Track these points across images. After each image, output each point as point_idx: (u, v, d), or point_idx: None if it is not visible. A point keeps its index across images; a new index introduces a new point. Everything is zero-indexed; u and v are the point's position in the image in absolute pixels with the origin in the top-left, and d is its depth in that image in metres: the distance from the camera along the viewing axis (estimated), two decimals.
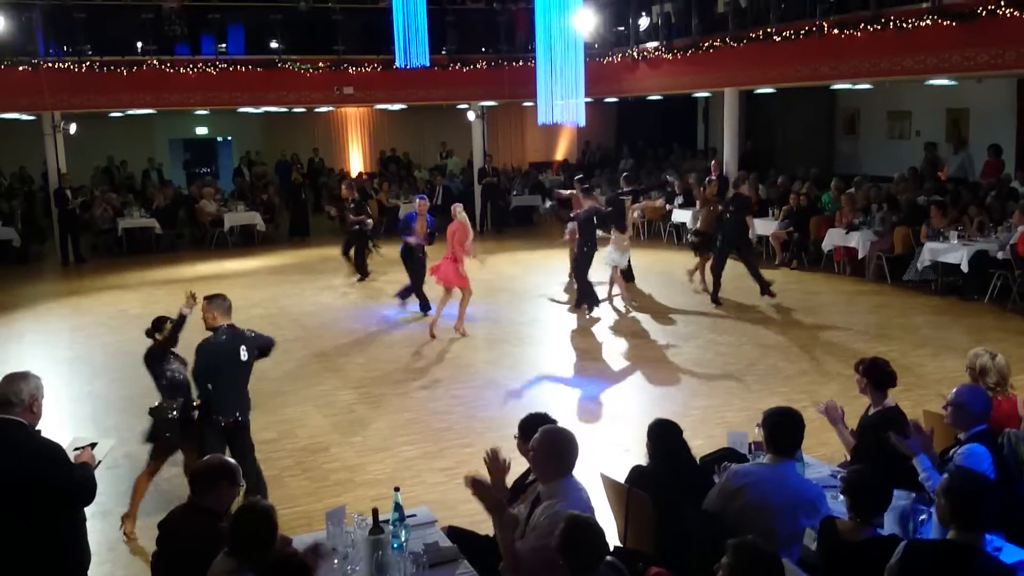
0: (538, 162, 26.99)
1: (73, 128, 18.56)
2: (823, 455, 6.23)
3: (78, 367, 11.16)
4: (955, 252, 12.89)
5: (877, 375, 5.47)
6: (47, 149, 18.42)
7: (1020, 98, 16.99)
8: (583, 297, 13.02)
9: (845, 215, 15.03)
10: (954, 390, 5.03)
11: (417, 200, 13.70)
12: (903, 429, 5.02)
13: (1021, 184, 15.22)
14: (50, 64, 17.37)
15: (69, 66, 17.44)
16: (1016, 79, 16.17)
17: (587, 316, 12.81)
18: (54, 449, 4.54)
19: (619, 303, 13.43)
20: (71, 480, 4.52)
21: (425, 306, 12.75)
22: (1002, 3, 11.52)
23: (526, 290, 14.74)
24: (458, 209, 12.03)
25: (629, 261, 14.01)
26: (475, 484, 4.26)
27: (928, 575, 3.63)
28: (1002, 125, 17.25)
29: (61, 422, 8.99)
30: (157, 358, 6.64)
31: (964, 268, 12.77)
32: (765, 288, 13.26)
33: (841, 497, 4.96)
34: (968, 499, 3.73)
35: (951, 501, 3.75)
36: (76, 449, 5.07)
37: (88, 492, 4.61)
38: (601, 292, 13.28)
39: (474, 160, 22.03)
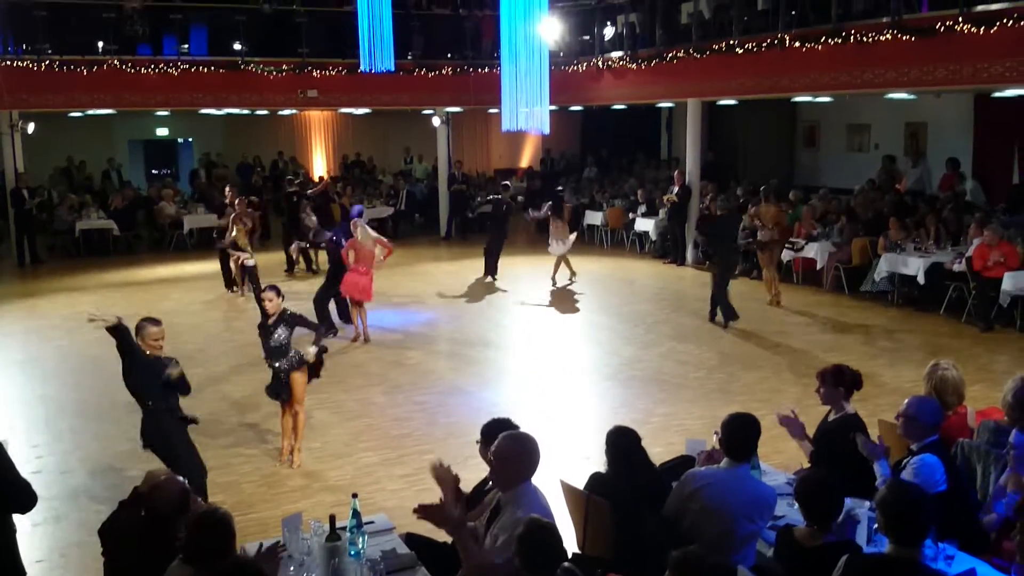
0: (503, 168, 27.02)
1: (31, 127, 18.27)
2: (779, 463, 6.28)
3: (31, 369, 10.97)
4: (912, 264, 13.10)
5: (847, 380, 5.53)
6: (4, 148, 18.08)
7: (977, 113, 17.30)
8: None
9: (804, 226, 15.20)
10: (905, 401, 5.07)
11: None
12: (866, 433, 5.08)
13: (975, 198, 15.50)
14: (9, 62, 17.09)
15: (28, 64, 17.17)
16: (973, 94, 16.46)
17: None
18: None
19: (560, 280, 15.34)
20: (18, 481, 4.42)
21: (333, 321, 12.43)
22: (960, 20, 11.75)
23: (490, 296, 14.73)
24: (359, 223, 11.84)
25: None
26: (425, 511, 4.10)
27: None
28: (959, 139, 17.56)
29: (12, 425, 8.86)
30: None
31: (920, 280, 12.95)
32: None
33: (796, 505, 5.03)
34: (901, 513, 3.70)
35: (885, 514, 3.74)
36: None
37: (31, 496, 4.52)
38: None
39: (439, 166, 21.99)
